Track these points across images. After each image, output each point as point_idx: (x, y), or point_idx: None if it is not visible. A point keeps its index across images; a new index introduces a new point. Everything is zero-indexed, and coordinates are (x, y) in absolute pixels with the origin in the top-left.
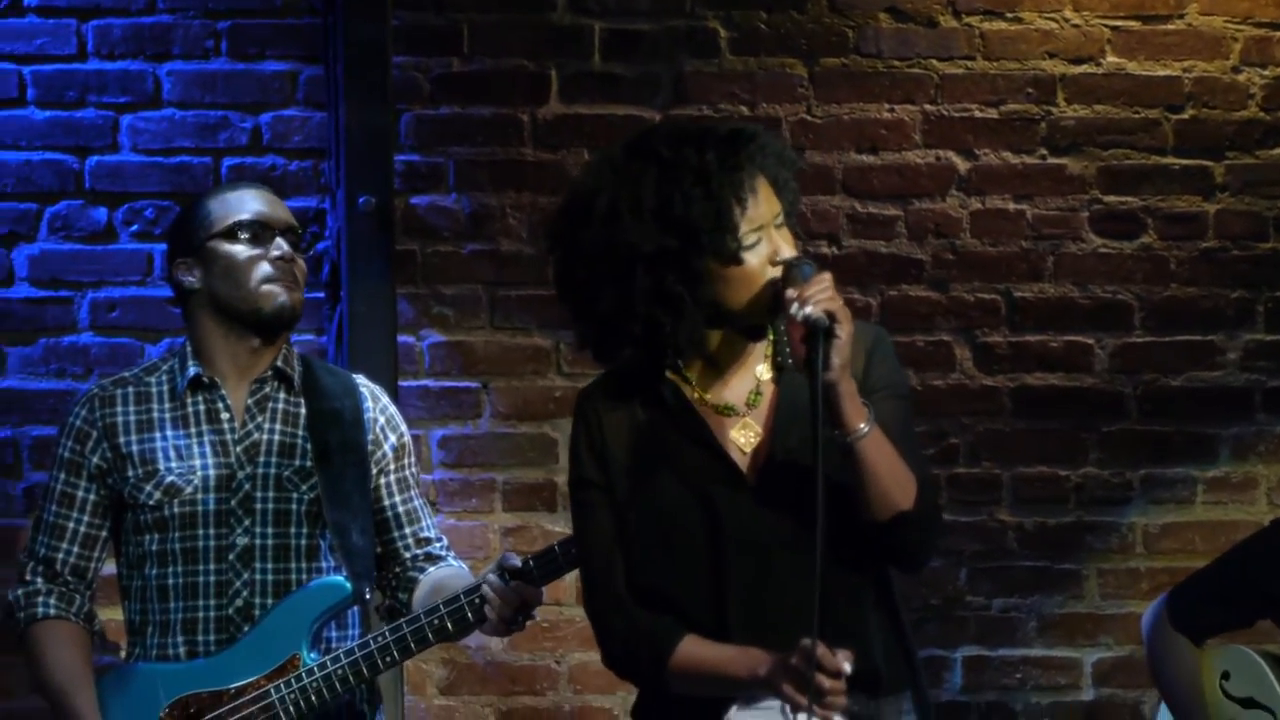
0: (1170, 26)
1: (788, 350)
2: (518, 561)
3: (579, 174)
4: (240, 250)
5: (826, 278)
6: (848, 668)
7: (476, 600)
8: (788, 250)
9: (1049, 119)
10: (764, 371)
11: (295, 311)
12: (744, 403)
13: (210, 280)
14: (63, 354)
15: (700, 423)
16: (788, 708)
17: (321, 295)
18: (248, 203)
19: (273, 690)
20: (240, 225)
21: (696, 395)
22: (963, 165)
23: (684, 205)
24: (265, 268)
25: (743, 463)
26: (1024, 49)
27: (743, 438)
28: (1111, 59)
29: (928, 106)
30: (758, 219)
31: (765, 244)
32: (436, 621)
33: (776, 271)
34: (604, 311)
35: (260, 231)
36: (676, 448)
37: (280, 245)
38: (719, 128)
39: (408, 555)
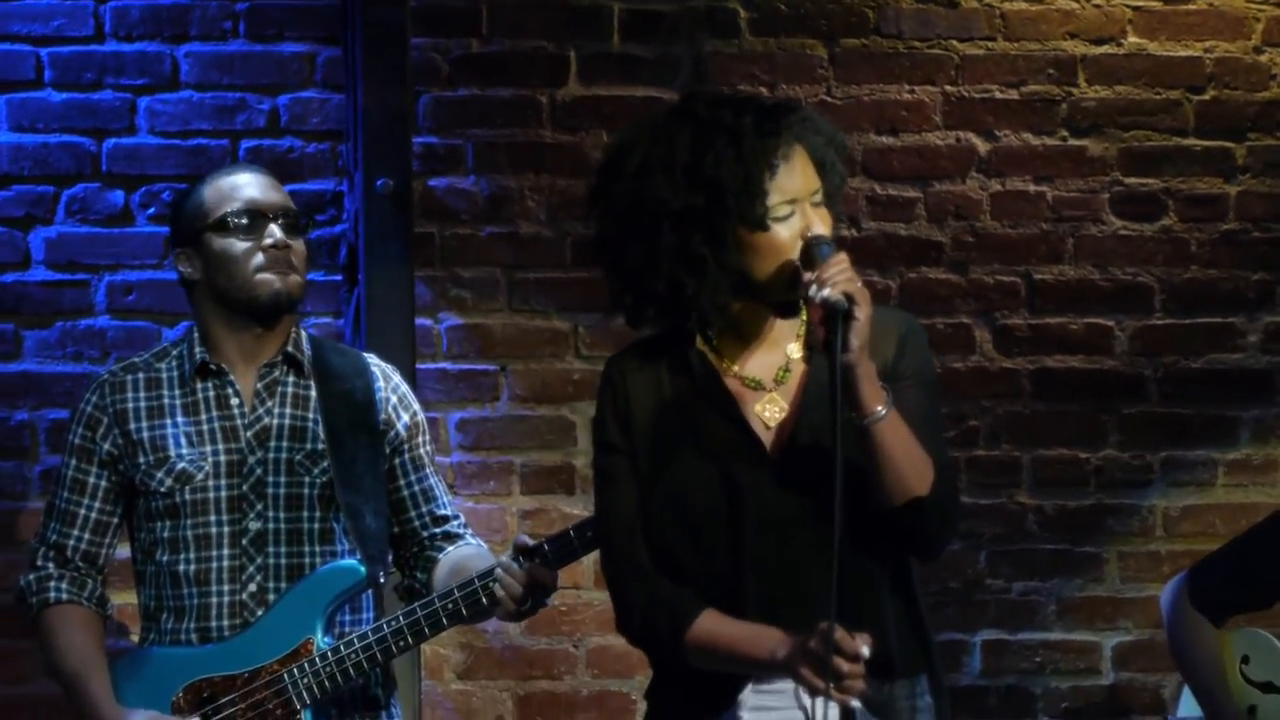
0: (1192, 6)
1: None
2: (531, 543)
3: (619, 133)
4: (233, 241)
5: (843, 258)
6: (866, 651)
7: (491, 583)
8: (820, 228)
9: (1070, 100)
10: (795, 350)
11: (292, 297)
12: (772, 378)
13: (208, 272)
14: (79, 337)
15: (726, 395)
16: (803, 691)
17: (339, 278)
18: (239, 190)
19: (286, 675)
20: (231, 215)
21: (725, 366)
22: (983, 147)
23: (714, 165)
24: (259, 257)
25: (767, 439)
26: (1045, 29)
27: (768, 413)
28: (1133, 39)
29: (948, 87)
30: (791, 190)
31: (798, 218)
32: (450, 605)
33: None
34: (631, 269)
35: (253, 219)
36: (701, 418)
37: (273, 232)
38: (763, 98)
39: (425, 534)
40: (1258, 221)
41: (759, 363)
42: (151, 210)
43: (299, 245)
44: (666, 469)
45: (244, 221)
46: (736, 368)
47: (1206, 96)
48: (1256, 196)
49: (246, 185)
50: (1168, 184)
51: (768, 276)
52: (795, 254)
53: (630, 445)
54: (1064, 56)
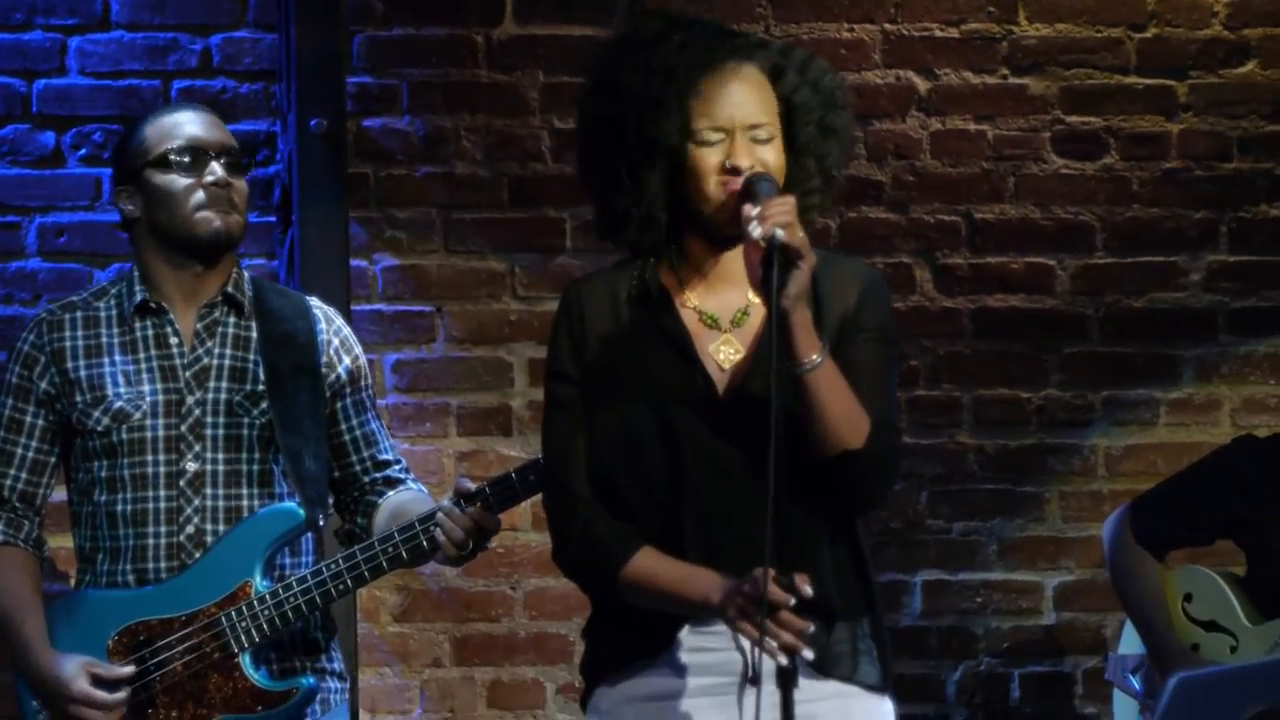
0: None
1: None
2: (472, 486)
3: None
4: (174, 178)
5: (789, 201)
6: (808, 590)
7: (432, 528)
8: (744, 161)
9: (1010, 38)
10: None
11: (232, 235)
12: (730, 319)
13: (149, 209)
14: (10, 280)
15: (682, 329)
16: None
17: (273, 219)
18: (182, 127)
19: (223, 618)
20: (173, 151)
21: (684, 298)
22: (923, 85)
23: (630, 76)
24: (199, 194)
25: (720, 381)
26: None
27: (722, 354)
28: None
29: (887, 25)
30: (719, 118)
31: (722, 148)
32: (391, 549)
33: (726, 179)
34: (588, 180)
35: (195, 157)
36: (655, 352)
37: (214, 170)
38: (729, 28)
39: (366, 479)
40: (1200, 160)
41: (719, 300)
42: (83, 152)
43: (240, 184)
44: (614, 401)
45: (186, 159)
46: (696, 301)
47: (1148, 34)
48: (1198, 135)
49: (189, 123)
50: (1109, 122)
51: (696, 204)
52: (713, 182)
53: (581, 374)
54: None
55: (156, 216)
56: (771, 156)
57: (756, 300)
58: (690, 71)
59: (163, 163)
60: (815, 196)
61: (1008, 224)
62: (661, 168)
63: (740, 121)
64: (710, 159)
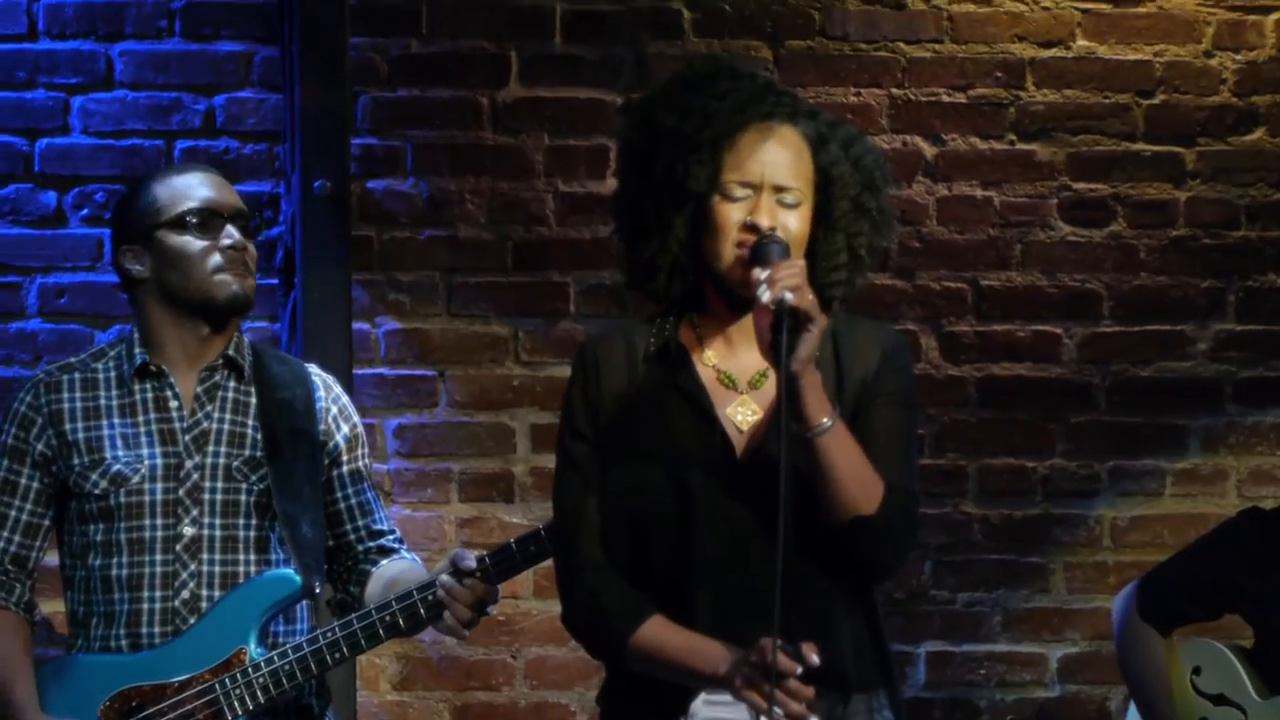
0: (1141, 10)
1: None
2: (473, 561)
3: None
4: (190, 240)
5: (799, 264)
6: (815, 659)
7: (430, 597)
8: (764, 220)
9: (1018, 104)
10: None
11: (248, 299)
12: (747, 381)
13: (159, 270)
14: (10, 341)
15: (701, 388)
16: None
17: (275, 281)
18: (196, 189)
19: (217, 685)
20: (189, 214)
21: (702, 356)
22: (930, 150)
23: (665, 116)
24: (216, 257)
25: (738, 441)
26: (993, 32)
27: (740, 415)
28: (1082, 42)
29: (894, 90)
30: (749, 173)
31: (746, 205)
32: (389, 618)
33: (744, 237)
34: (617, 215)
35: (210, 219)
36: (672, 410)
37: (231, 233)
38: (802, 100)
39: (360, 548)
40: (1207, 228)
41: (737, 361)
42: (85, 212)
43: (252, 248)
44: (628, 460)
45: (201, 220)
46: (715, 360)
47: (1156, 101)
48: (1206, 202)
49: (202, 185)
50: (1116, 189)
51: (711, 259)
52: (731, 239)
53: (595, 433)
54: (1012, 59)
55: (168, 278)
56: (795, 223)
57: None
58: (727, 120)
59: (178, 224)
60: (841, 273)
61: (1014, 291)
62: (688, 214)
63: (769, 180)
64: (733, 214)
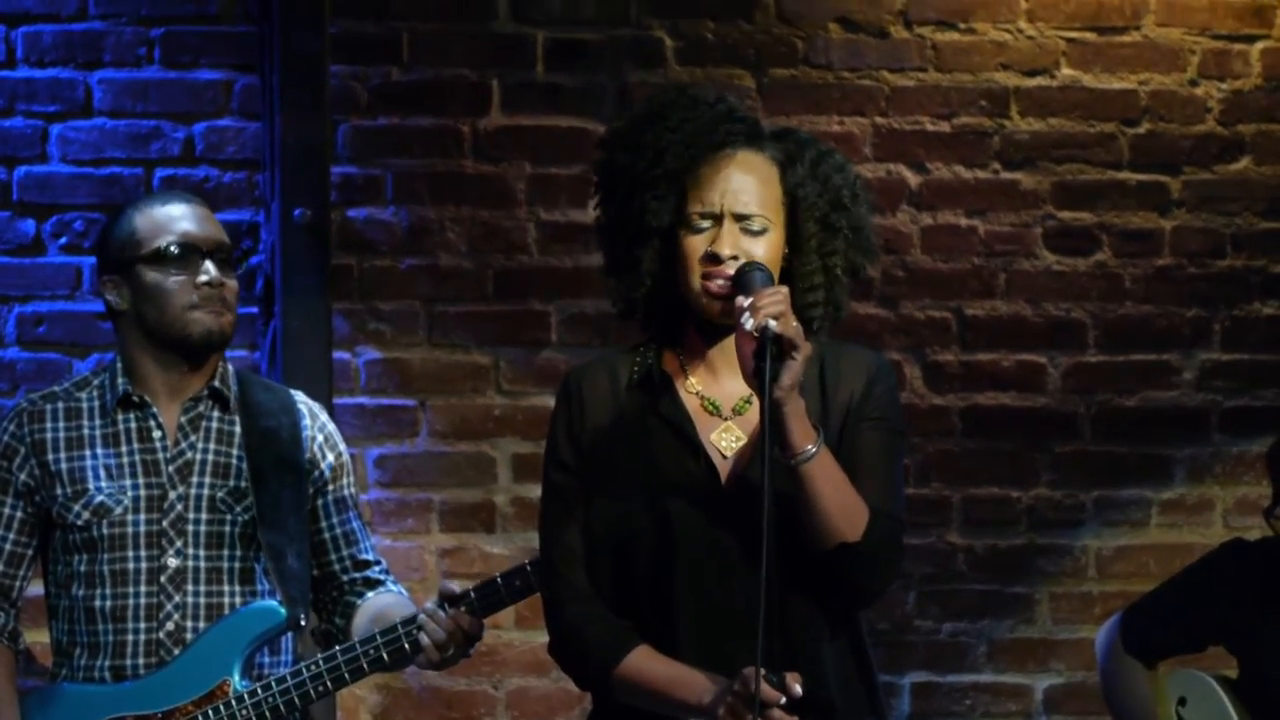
0: (1126, 38)
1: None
2: (457, 589)
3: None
4: (166, 277)
5: (782, 291)
6: (798, 690)
7: (414, 631)
8: (725, 250)
9: (1002, 132)
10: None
11: (224, 337)
12: (731, 407)
13: (137, 303)
14: None
15: (684, 415)
16: None
17: (255, 310)
18: (176, 222)
19: (200, 716)
20: (166, 248)
21: (686, 384)
22: (913, 179)
23: (632, 154)
24: (192, 294)
25: (722, 468)
26: (977, 60)
27: (724, 441)
28: (1066, 71)
29: (878, 119)
30: (708, 203)
31: (710, 234)
32: (372, 652)
33: (708, 268)
34: (602, 250)
35: (188, 255)
36: (656, 437)
37: (208, 270)
38: (774, 125)
39: (345, 579)
40: (1193, 257)
41: (721, 388)
42: (63, 240)
43: (232, 282)
44: (613, 488)
45: (178, 255)
46: (699, 387)
47: (1141, 130)
48: (1191, 231)
49: (183, 218)
50: (1101, 218)
51: (684, 290)
52: (697, 271)
53: (579, 463)
54: (996, 88)
55: (146, 312)
56: (760, 250)
57: None
58: (681, 152)
59: (155, 259)
60: (818, 294)
61: (999, 321)
62: (655, 248)
63: (729, 208)
64: (696, 246)
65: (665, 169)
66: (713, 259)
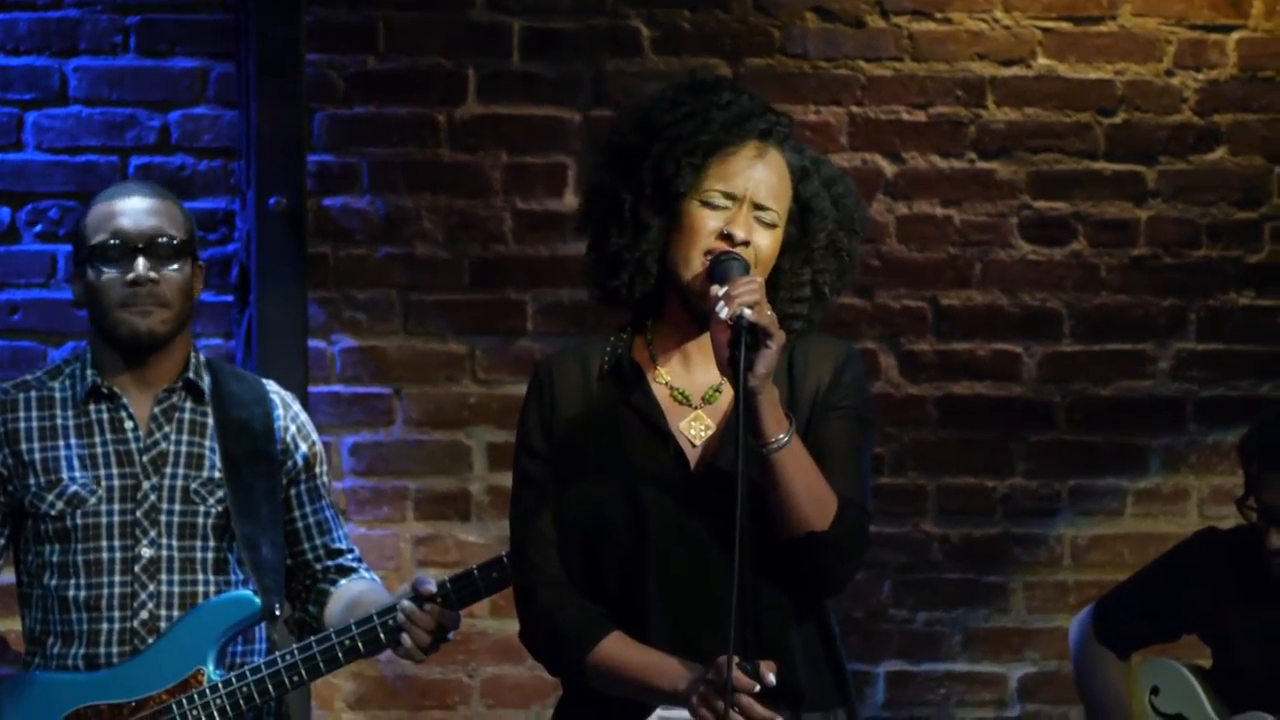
0: (1102, 28)
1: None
2: (434, 586)
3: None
4: (100, 275)
5: (757, 280)
6: (771, 679)
7: (390, 621)
8: (740, 232)
9: (978, 122)
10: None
11: (154, 335)
12: (701, 396)
13: (87, 299)
14: None
15: (654, 404)
16: None
17: (230, 299)
18: (113, 218)
19: (174, 705)
20: (102, 246)
21: (656, 374)
22: (889, 169)
23: (662, 114)
24: (121, 292)
25: (691, 456)
26: (953, 50)
27: (693, 429)
28: (1042, 61)
29: (854, 108)
30: (732, 184)
31: (724, 215)
32: (348, 642)
33: (717, 246)
34: (589, 209)
35: (121, 252)
36: (626, 427)
37: (136, 267)
38: (792, 126)
39: (318, 567)
40: (1168, 246)
41: (690, 378)
42: (38, 228)
43: (170, 275)
44: (583, 476)
45: (113, 254)
46: (669, 378)
47: (1117, 120)
48: (1167, 221)
49: (120, 213)
50: (1077, 208)
51: (681, 264)
52: (703, 245)
53: (550, 450)
54: (972, 78)
55: (90, 308)
56: (768, 243)
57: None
58: (727, 129)
59: (95, 255)
60: (803, 306)
61: (974, 310)
62: (666, 215)
63: (752, 195)
64: (710, 221)
65: (708, 138)
66: (726, 238)
